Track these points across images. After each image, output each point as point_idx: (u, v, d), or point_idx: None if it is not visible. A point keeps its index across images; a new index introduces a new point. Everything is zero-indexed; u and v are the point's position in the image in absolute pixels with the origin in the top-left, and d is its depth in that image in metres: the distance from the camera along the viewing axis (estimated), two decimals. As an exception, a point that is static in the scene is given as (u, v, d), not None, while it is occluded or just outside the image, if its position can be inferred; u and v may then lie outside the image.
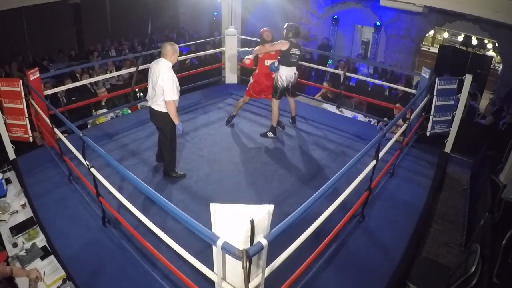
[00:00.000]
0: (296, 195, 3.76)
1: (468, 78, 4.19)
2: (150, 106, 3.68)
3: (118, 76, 7.07)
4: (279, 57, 4.56)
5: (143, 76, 5.75)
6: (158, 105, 3.56)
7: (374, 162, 3.03)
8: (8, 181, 3.94)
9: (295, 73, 4.64)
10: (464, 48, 10.35)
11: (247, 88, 5.02)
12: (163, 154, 3.91)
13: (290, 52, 4.45)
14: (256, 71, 4.89)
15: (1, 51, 9.17)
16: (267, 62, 4.69)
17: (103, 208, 3.15)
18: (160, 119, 3.66)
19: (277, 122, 4.86)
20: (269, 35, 4.74)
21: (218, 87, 6.77)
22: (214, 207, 1.73)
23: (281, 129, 5.14)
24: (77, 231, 3.21)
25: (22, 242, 3.13)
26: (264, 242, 1.68)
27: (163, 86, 3.40)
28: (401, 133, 4.01)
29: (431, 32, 10.90)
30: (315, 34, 11.14)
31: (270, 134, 4.87)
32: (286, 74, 4.55)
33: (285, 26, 4.51)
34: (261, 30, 4.82)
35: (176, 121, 3.61)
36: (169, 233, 2.31)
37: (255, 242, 1.67)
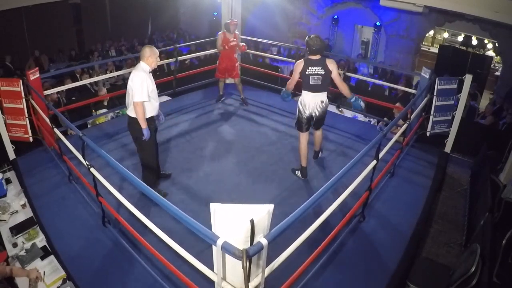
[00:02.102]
0: (296, 195, 3.76)
1: (468, 78, 4.20)
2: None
3: (118, 76, 7.07)
4: (300, 79, 3.72)
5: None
6: (131, 110, 3.32)
7: (375, 162, 3.03)
8: (8, 181, 3.94)
9: (321, 101, 3.70)
10: (464, 48, 10.34)
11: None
12: (142, 168, 3.60)
13: (306, 72, 3.60)
14: (220, 55, 5.59)
15: (1, 51, 9.18)
16: (226, 47, 5.43)
17: (103, 208, 3.15)
18: (133, 126, 3.39)
19: (306, 160, 3.98)
20: (235, 27, 5.37)
21: (218, 87, 6.74)
22: (214, 207, 1.72)
23: (245, 106, 5.78)
24: (77, 231, 3.21)
25: (22, 242, 3.13)
26: (264, 242, 1.68)
27: (132, 86, 3.18)
28: (401, 133, 4.01)
29: (431, 32, 10.90)
30: (315, 34, 11.14)
31: (298, 173, 4.07)
32: (306, 101, 3.72)
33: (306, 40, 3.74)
34: (229, 21, 5.38)
35: (143, 125, 3.27)
36: (169, 233, 2.31)
37: (255, 242, 1.67)
